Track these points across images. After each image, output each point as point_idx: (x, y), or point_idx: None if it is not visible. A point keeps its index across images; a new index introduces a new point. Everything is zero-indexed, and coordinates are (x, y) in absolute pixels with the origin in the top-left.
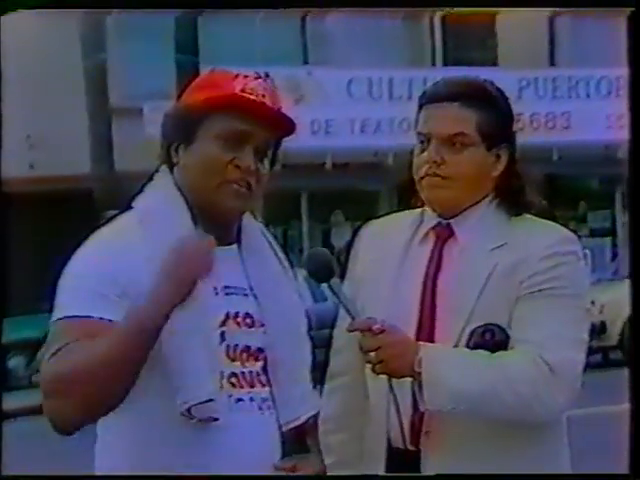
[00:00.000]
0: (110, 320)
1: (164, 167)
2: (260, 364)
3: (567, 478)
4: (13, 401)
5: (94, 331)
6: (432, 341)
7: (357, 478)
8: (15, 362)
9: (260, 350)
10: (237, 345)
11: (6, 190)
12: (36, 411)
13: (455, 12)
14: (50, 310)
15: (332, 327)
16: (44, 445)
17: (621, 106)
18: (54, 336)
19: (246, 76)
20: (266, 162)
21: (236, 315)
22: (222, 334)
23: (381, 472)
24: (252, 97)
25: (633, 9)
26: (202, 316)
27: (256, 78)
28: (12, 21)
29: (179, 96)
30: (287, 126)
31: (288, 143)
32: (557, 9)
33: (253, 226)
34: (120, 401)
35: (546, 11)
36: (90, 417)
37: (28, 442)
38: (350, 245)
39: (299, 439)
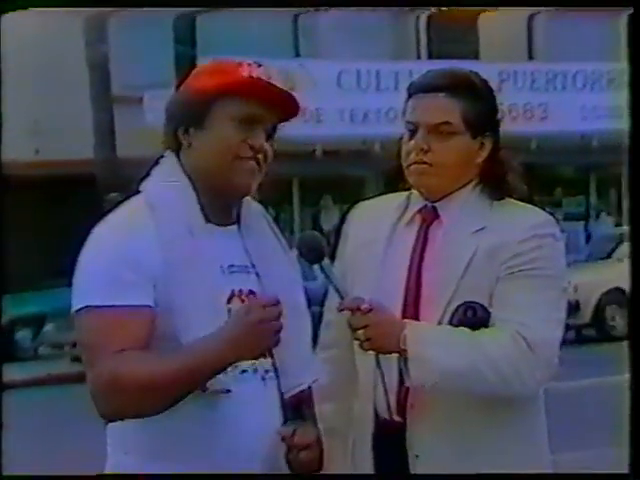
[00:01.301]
0: (137, 306)
1: (169, 152)
2: None
3: (567, 478)
4: (20, 372)
5: (131, 322)
6: (417, 318)
7: (357, 478)
8: (21, 335)
9: None
10: None
11: (13, 173)
12: (40, 381)
13: (454, 10)
14: (54, 287)
15: (322, 304)
16: (47, 413)
17: (595, 98)
18: (92, 331)
19: (249, 64)
20: (271, 142)
21: (240, 292)
22: (229, 311)
23: (368, 440)
24: (263, 81)
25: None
26: (211, 295)
27: (258, 66)
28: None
29: (180, 83)
30: (294, 107)
31: (280, 131)
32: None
33: (252, 208)
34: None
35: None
36: (134, 416)
37: (32, 410)
38: (340, 226)
39: (297, 407)
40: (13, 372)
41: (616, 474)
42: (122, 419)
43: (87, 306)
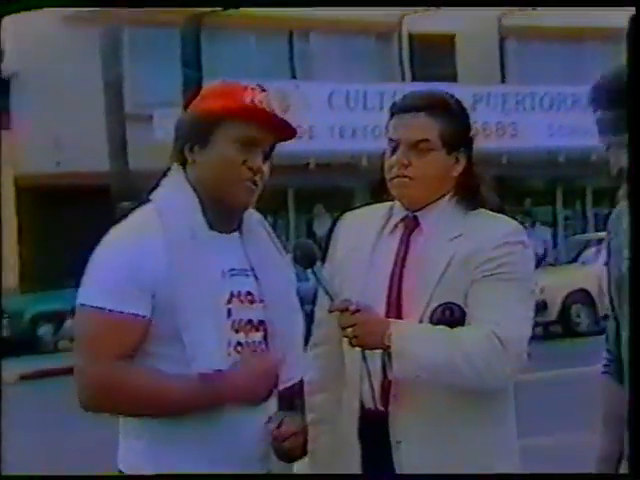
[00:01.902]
0: (136, 315)
1: (176, 165)
2: (261, 334)
3: (567, 478)
4: (41, 363)
5: (127, 328)
6: (400, 317)
7: (355, 477)
8: (43, 330)
9: (261, 322)
10: (241, 319)
11: (37, 184)
12: (59, 372)
13: (434, 36)
14: (73, 286)
15: (313, 303)
16: (65, 402)
17: (561, 117)
18: (89, 334)
19: (253, 89)
20: (268, 163)
21: (239, 294)
22: (229, 311)
23: (355, 428)
24: (264, 107)
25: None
26: (212, 297)
27: (262, 91)
28: (41, 38)
29: (188, 103)
30: (290, 132)
31: (277, 146)
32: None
33: (253, 217)
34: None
35: (496, 35)
36: (112, 414)
37: (51, 399)
38: (330, 233)
39: (289, 397)
40: (36, 363)
41: (616, 474)
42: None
43: (91, 305)
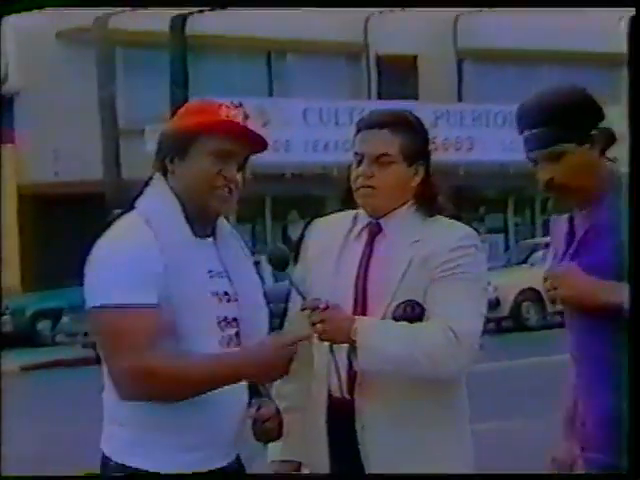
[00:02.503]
0: (150, 304)
1: (158, 174)
2: (235, 330)
3: (568, 478)
4: (40, 356)
5: (147, 318)
6: (365, 314)
7: (357, 478)
8: (42, 326)
9: (234, 319)
10: (219, 316)
11: (37, 192)
12: (56, 364)
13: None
14: (70, 285)
15: (287, 301)
16: (61, 392)
17: (513, 133)
18: (114, 331)
19: (228, 106)
20: (242, 173)
21: (217, 293)
22: (215, 307)
23: (323, 414)
24: (237, 122)
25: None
26: (202, 294)
27: (236, 107)
28: (41, 60)
29: (171, 119)
30: (262, 145)
31: (257, 158)
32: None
33: (224, 225)
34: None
35: (454, 57)
36: (155, 401)
37: (48, 388)
38: (301, 238)
39: (256, 387)
40: (37, 356)
41: (616, 474)
42: (142, 401)
43: (104, 305)
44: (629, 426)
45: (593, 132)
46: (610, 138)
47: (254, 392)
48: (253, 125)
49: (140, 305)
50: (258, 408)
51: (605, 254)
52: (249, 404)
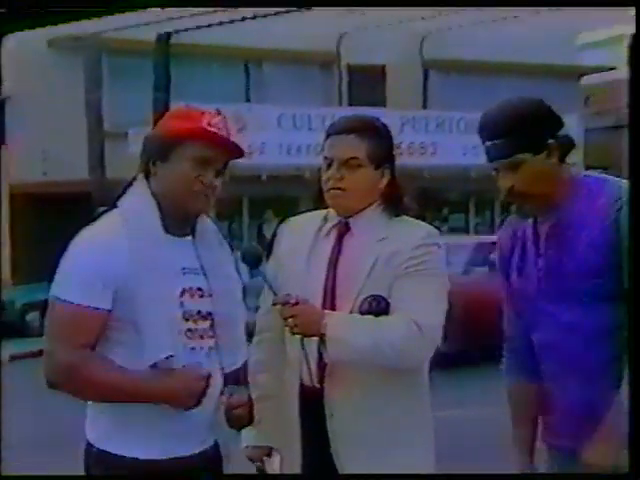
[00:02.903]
0: (99, 309)
1: (141, 176)
2: (208, 323)
3: (568, 478)
4: (29, 345)
5: (91, 320)
6: (333, 309)
7: (351, 477)
8: (31, 317)
9: (209, 313)
10: (192, 310)
11: (26, 191)
12: (37, 354)
13: (367, 67)
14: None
15: (259, 296)
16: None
17: (474, 139)
18: (59, 324)
19: (210, 113)
20: (220, 178)
21: (190, 289)
22: (181, 303)
23: (295, 403)
24: (217, 131)
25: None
26: (165, 291)
27: (217, 114)
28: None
29: (156, 123)
30: (239, 152)
31: (235, 161)
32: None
33: (205, 224)
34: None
35: (420, 67)
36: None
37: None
38: (274, 236)
39: (236, 378)
40: (25, 346)
41: (616, 474)
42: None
43: (62, 299)
44: (629, 426)
45: (550, 141)
46: (569, 145)
47: (231, 381)
48: (233, 131)
49: (88, 307)
50: (230, 396)
51: (574, 256)
52: (222, 392)
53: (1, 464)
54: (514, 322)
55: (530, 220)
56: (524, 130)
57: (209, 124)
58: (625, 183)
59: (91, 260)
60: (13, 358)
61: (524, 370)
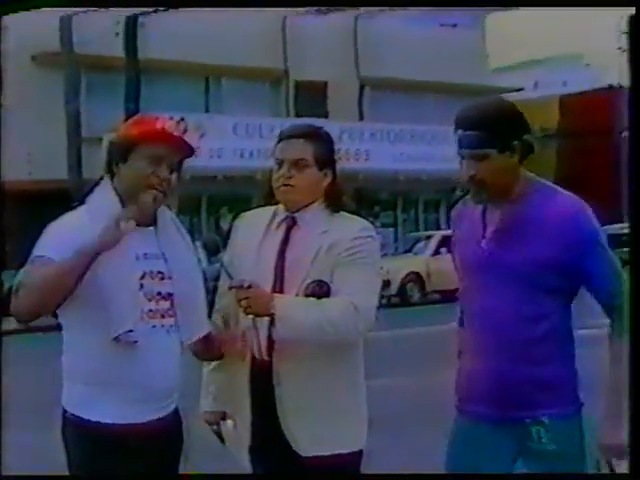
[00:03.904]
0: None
1: (107, 176)
2: (168, 303)
3: (568, 478)
4: (16, 324)
5: (49, 264)
6: (282, 292)
7: (350, 478)
8: None
9: (169, 294)
10: (152, 291)
11: (13, 188)
12: (31, 330)
13: (314, 83)
14: None
15: (217, 280)
16: (35, 350)
17: (402, 148)
18: (27, 266)
19: (163, 118)
20: (175, 174)
21: (151, 272)
22: (141, 285)
23: (247, 373)
24: (170, 132)
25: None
26: (127, 273)
27: (170, 119)
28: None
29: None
30: (190, 150)
31: (195, 163)
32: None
33: (166, 214)
34: (62, 300)
35: (357, 84)
36: (42, 309)
37: (25, 352)
38: (230, 229)
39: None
40: (12, 324)
41: (616, 474)
42: (37, 315)
43: (35, 256)
44: (629, 426)
45: (514, 142)
46: (529, 149)
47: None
48: (189, 135)
49: (49, 258)
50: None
51: (517, 247)
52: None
53: (1, 464)
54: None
55: (480, 206)
56: (494, 128)
57: (162, 127)
58: (572, 196)
59: (60, 239)
60: (2, 334)
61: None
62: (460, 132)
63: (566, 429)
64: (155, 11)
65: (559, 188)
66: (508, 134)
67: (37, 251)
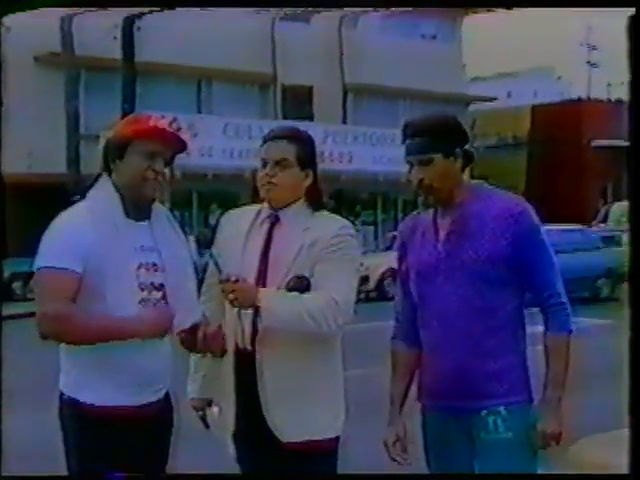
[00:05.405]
0: (71, 270)
1: (105, 173)
2: (161, 293)
3: (568, 478)
4: (14, 309)
5: (68, 279)
6: (265, 285)
7: (350, 477)
8: (16, 285)
9: (161, 285)
10: (146, 282)
11: (13, 182)
12: (28, 315)
13: (302, 88)
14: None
15: (204, 272)
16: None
17: (382, 150)
18: (44, 285)
19: (156, 117)
20: (169, 168)
21: (147, 264)
22: (137, 276)
23: (231, 362)
24: (162, 128)
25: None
26: (125, 265)
27: (162, 117)
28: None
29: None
30: (182, 145)
31: (186, 162)
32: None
33: (159, 209)
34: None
35: (341, 89)
36: (71, 343)
37: (22, 335)
38: (217, 225)
39: (188, 337)
40: (11, 309)
41: (616, 474)
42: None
43: (39, 267)
44: (629, 426)
45: (457, 150)
46: (470, 158)
47: (187, 343)
48: (182, 132)
49: (63, 269)
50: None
51: (469, 247)
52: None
53: (1, 464)
54: (402, 299)
55: (431, 213)
56: (439, 135)
57: (155, 124)
58: (514, 196)
59: (63, 238)
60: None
61: (407, 339)
62: (408, 141)
63: (521, 417)
64: (150, 12)
65: (500, 190)
66: (451, 140)
67: (51, 259)
